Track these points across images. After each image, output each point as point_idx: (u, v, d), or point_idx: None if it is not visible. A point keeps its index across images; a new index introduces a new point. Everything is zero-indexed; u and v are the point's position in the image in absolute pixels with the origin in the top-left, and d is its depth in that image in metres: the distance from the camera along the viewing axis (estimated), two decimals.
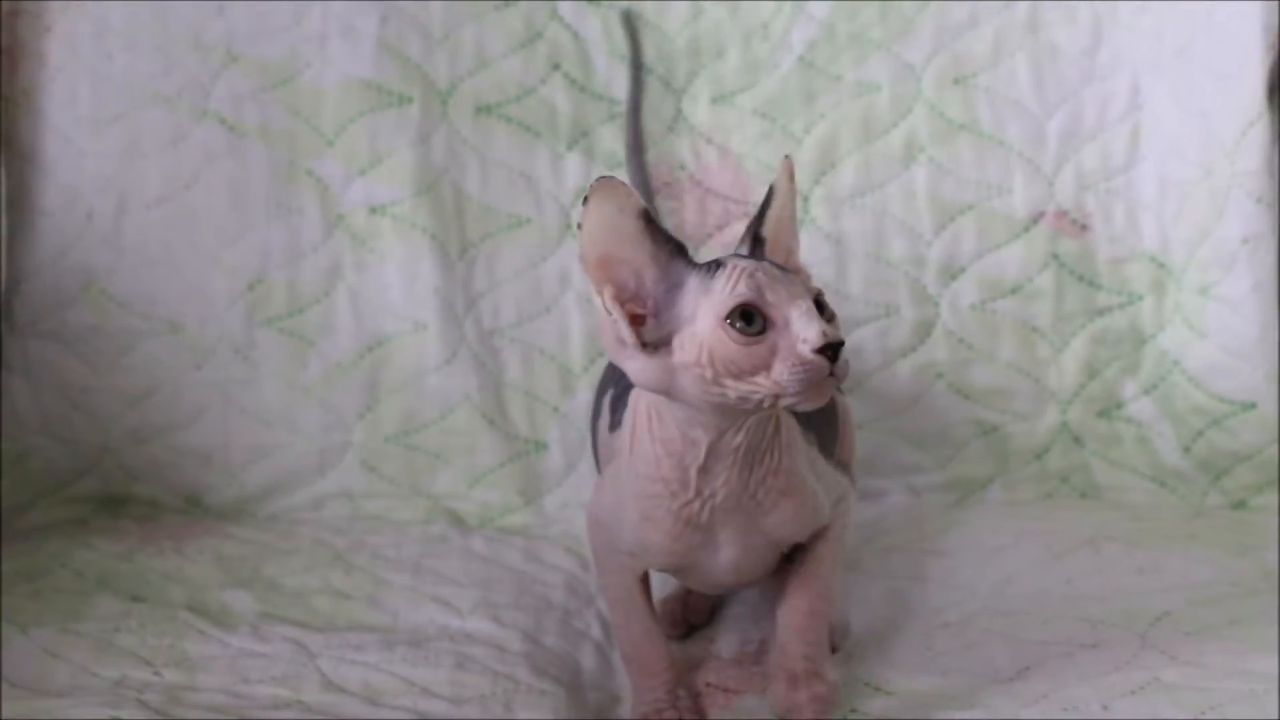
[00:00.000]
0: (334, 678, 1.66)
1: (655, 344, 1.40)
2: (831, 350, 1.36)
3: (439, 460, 2.07)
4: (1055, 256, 2.06)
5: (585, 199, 1.37)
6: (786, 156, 1.52)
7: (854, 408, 2.01)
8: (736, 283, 1.39)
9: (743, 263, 1.41)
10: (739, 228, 2.06)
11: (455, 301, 2.06)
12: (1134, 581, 1.79)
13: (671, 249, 1.41)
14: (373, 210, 2.06)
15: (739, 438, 1.46)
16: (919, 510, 2.04)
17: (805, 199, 2.07)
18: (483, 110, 2.08)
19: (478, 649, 1.74)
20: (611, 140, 2.09)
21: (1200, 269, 2.02)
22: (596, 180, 1.37)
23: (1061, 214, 2.07)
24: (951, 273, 2.07)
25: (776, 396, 1.38)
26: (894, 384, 2.07)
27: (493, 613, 1.81)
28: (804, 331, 1.37)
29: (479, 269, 2.07)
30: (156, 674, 1.64)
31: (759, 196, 2.05)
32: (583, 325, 2.07)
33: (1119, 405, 2.07)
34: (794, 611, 1.61)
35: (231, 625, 1.75)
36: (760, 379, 1.38)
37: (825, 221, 2.07)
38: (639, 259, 1.40)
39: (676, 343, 1.40)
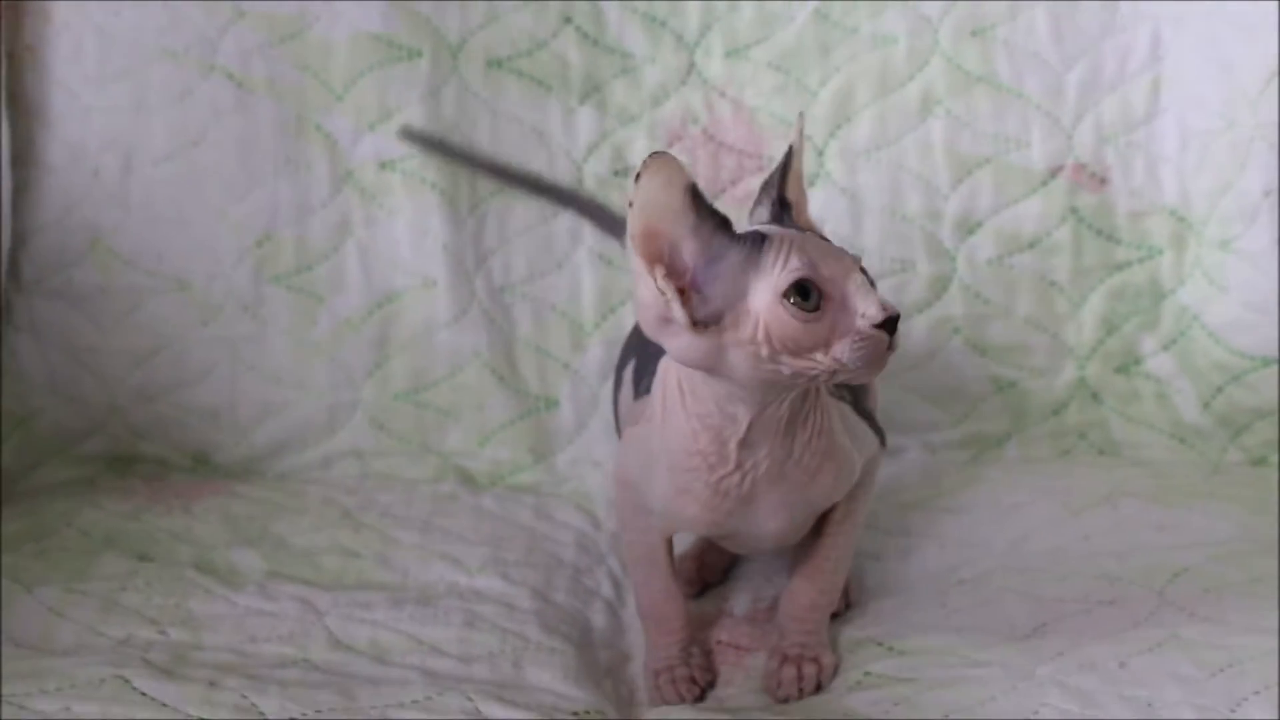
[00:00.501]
0: (341, 636, 1.65)
1: (705, 321, 1.36)
2: (890, 324, 1.35)
3: (449, 418, 2.05)
4: (1074, 210, 2.04)
5: (637, 176, 1.33)
6: (801, 114, 1.51)
7: None
8: (789, 257, 1.35)
9: (788, 235, 1.38)
10: (753, 182, 2.04)
11: (465, 257, 2.03)
12: (1152, 538, 1.77)
13: (715, 224, 1.37)
14: (382, 165, 2.04)
15: (782, 409, 1.44)
16: (935, 467, 2.02)
17: (820, 153, 2.04)
18: (493, 64, 2.05)
19: (487, 607, 1.72)
20: (624, 94, 2.06)
21: (1221, 223, 1.99)
22: (649, 156, 1.33)
23: (1080, 167, 2.04)
24: (968, 227, 2.04)
25: (834, 372, 1.36)
26: (910, 340, 2.04)
27: (502, 570, 1.80)
28: (864, 306, 1.35)
29: (489, 225, 2.05)
30: (162, 633, 1.63)
31: (774, 150, 2.05)
32: (594, 281, 2.05)
33: (1138, 361, 2.05)
34: (795, 602, 1.62)
35: (238, 584, 1.73)
36: (819, 355, 1.35)
37: (841, 176, 2.04)
38: (678, 232, 1.36)
39: (729, 320, 1.36)
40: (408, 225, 2.03)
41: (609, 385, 2.04)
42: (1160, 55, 2.03)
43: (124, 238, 2.02)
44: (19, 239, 2.00)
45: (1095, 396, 2.05)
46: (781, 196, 1.46)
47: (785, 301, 1.34)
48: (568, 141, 2.06)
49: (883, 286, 2.03)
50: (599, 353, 2.04)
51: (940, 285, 2.04)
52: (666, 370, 1.47)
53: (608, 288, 2.05)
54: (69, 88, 2.02)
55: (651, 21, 2.06)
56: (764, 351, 1.35)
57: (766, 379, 1.38)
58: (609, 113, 2.06)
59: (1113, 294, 2.04)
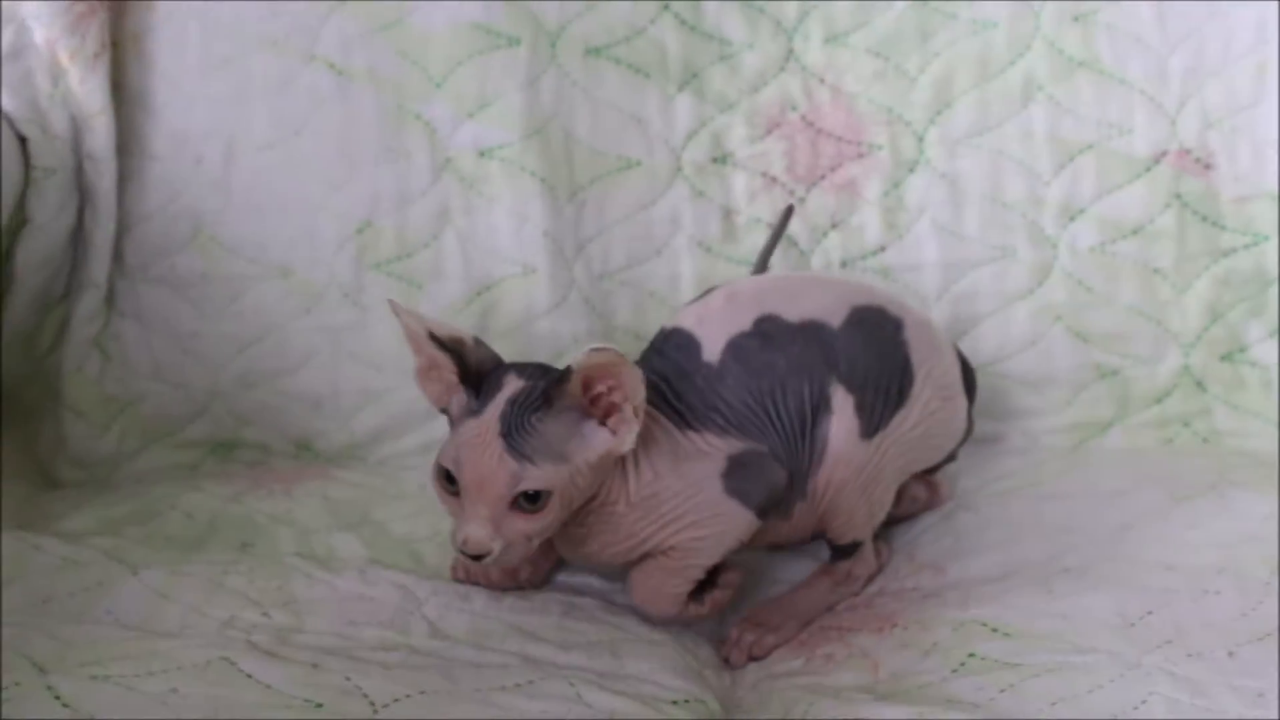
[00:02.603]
0: (440, 624, 1.64)
1: (446, 413, 1.57)
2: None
3: None
4: (1178, 196, 2.02)
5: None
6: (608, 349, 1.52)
7: (971, 352, 1.99)
8: (454, 445, 1.52)
9: (481, 431, 1.51)
10: (853, 169, 2.04)
11: (565, 245, 2.04)
12: (1260, 527, 1.74)
13: (459, 373, 1.55)
14: (481, 153, 2.04)
15: None
16: (1036, 455, 2.00)
17: (920, 139, 2.04)
18: (592, 52, 2.05)
19: (586, 600, 1.72)
20: (722, 81, 2.06)
21: None
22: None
23: (1184, 153, 2.02)
24: (1070, 214, 2.03)
25: None
26: (1011, 327, 2.03)
27: None
28: (460, 526, 1.52)
29: (589, 212, 2.05)
30: (265, 615, 1.63)
31: (873, 137, 2.04)
32: (694, 268, 2.05)
33: (1243, 349, 2.02)
34: None
35: (338, 569, 1.73)
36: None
37: (941, 162, 2.03)
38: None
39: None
40: (507, 212, 2.04)
41: None
42: (1266, 38, 2.01)
43: (226, 226, 2.03)
44: (123, 226, 2.01)
45: (1200, 384, 2.03)
46: (547, 393, 1.52)
47: (437, 467, 1.54)
48: (666, 129, 2.05)
49: (983, 274, 2.03)
50: None
51: (1042, 272, 2.03)
52: None
53: (706, 274, 2.04)
54: (172, 77, 2.03)
55: (750, 8, 2.06)
56: None
57: None
58: (707, 100, 2.06)
59: (1218, 281, 2.02)
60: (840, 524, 1.70)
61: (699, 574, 1.66)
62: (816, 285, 1.71)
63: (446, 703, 1.47)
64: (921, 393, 1.70)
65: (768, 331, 1.64)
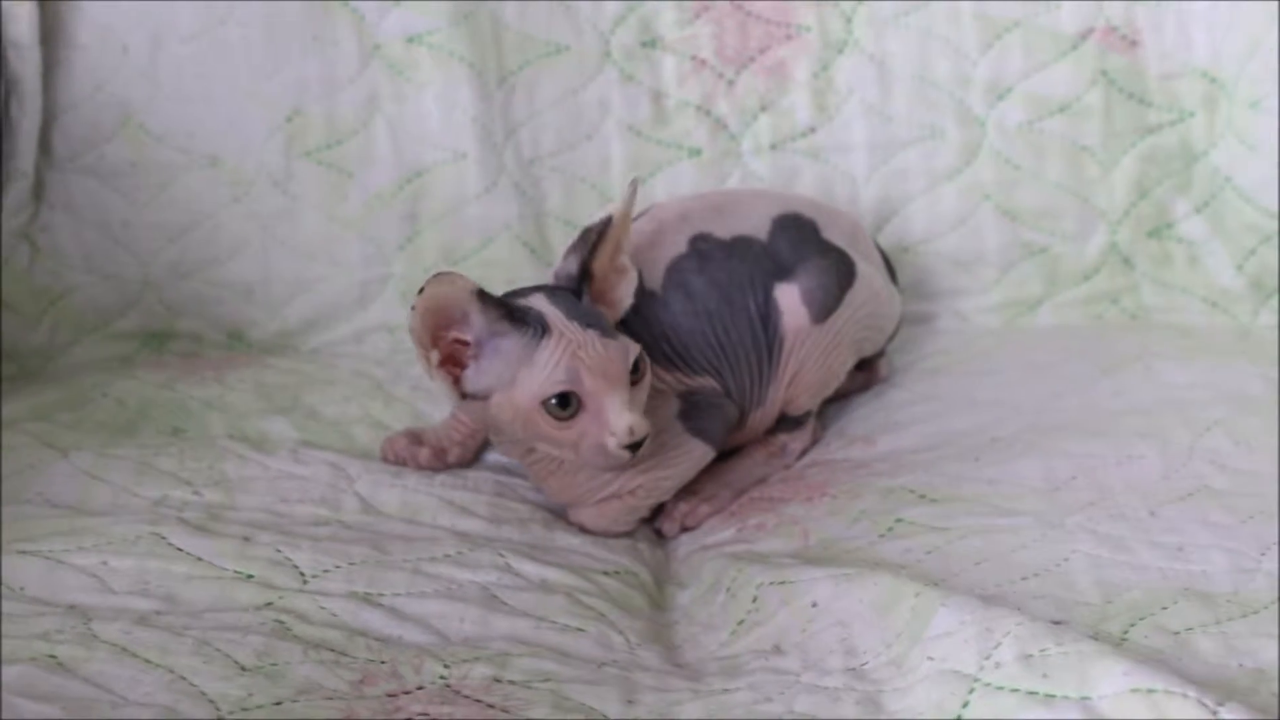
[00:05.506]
0: (372, 500, 1.66)
1: (474, 395, 1.53)
2: (635, 446, 1.51)
3: None
4: (1104, 74, 2.03)
5: (421, 290, 1.48)
6: (634, 180, 1.58)
7: (900, 232, 2.00)
8: (559, 364, 1.50)
9: (567, 335, 1.50)
10: (781, 51, 2.04)
11: (494, 130, 2.03)
12: (1184, 395, 1.77)
13: (500, 311, 1.51)
14: (409, 40, 2.03)
15: None
16: (967, 333, 2.02)
17: (849, 20, 2.04)
18: None
19: (517, 480, 1.73)
20: None
21: (1251, 82, 1.98)
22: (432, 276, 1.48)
23: (1111, 30, 2.03)
24: (998, 92, 2.03)
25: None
26: (940, 206, 2.04)
27: None
28: (615, 424, 1.50)
29: (518, 97, 2.04)
30: (196, 494, 1.64)
31: (802, 19, 2.04)
32: (623, 152, 2.05)
33: (1169, 225, 2.04)
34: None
35: (270, 450, 1.74)
36: (567, 450, 1.54)
37: (869, 42, 2.04)
38: (467, 304, 1.50)
39: (495, 401, 1.53)
40: (436, 98, 2.03)
41: None
42: None
43: (154, 115, 2.02)
44: (50, 116, 2.00)
45: (1127, 261, 2.04)
46: (585, 268, 1.56)
47: (544, 405, 1.50)
48: (594, 13, 2.05)
49: (911, 154, 2.03)
50: None
51: (970, 151, 2.04)
52: None
53: (637, 159, 2.04)
54: None
55: None
56: (520, 435, 1.55)
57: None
58: None
59: (1144, 157, 2.03)
60: (797, 398, 1.74)
61: (656, 503, 1.70)
62: (737, 202, 1.76)
63: (376, 572, 1.49)
64: (865, 272, 1.74)
65: (704, 251, 1.69)
